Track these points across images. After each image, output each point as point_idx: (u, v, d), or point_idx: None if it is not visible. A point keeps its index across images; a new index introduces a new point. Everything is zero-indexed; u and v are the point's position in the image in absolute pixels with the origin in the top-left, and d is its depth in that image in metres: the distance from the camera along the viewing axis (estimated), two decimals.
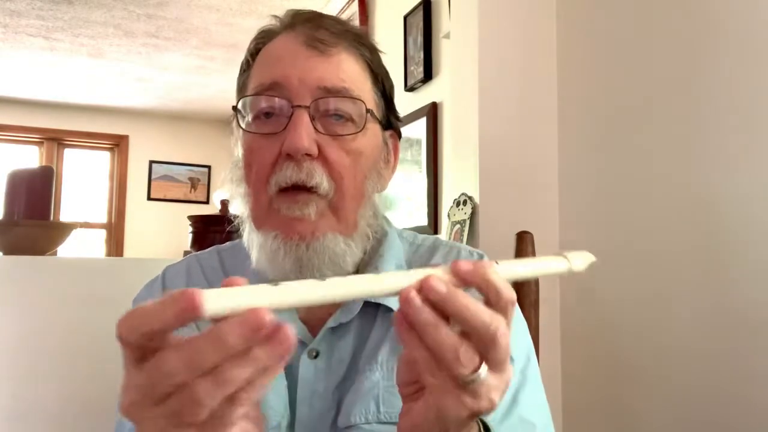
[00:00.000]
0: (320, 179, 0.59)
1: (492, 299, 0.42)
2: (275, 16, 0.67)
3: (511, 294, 0.42)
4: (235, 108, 0.65)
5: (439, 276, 0.41)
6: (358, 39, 0.65)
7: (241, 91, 0.67)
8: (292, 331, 0.38)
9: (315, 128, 0.60)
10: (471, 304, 0.40)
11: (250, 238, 0.64)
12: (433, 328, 0.40)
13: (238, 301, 0.36)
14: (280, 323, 0.37)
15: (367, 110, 0.63)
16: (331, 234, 0.61)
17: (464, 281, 0.41)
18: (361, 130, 0.62)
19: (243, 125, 0.64)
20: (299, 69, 0.60)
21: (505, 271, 0.44)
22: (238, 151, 0.66)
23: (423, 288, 0.40)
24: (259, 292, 0.38)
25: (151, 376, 0.36)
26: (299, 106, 0.59)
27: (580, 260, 0.48)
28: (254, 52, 0.66)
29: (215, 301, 0.36)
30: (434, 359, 0.41)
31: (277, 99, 0.61)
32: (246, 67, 0.67)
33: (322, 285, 0.39)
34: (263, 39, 0.66)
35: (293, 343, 0.38)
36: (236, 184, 0.66)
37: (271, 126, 0.61)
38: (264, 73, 0.63)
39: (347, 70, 0.62)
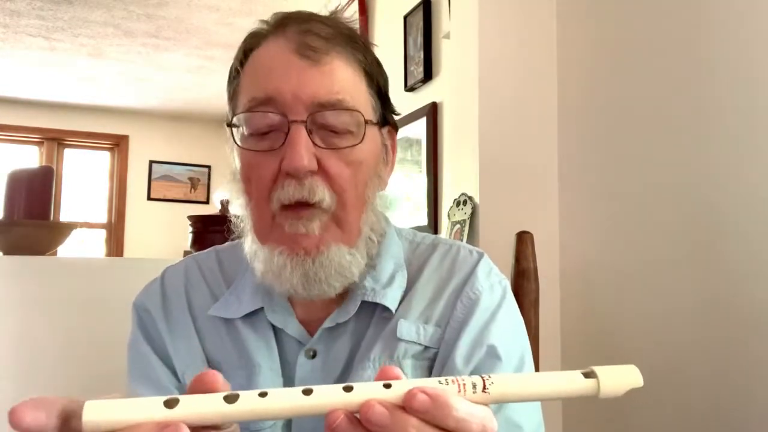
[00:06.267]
0: (322, 195, 0.59)
1: None
2: (263, 21, 0.65)
3: None
4: (229, 124, 0.63)
5: (381, 399, 0.35)
6: (350, 40, 0.63)
7: (233, 99, 0.65)
8: None
9: (313, 142, 0.59)
10: None
11: (253, 250, 0.63)
12: None
13: (118, 415, 0.33)
14: None
15: (366, 121, 0.62)
16: (336, 246, 0.60)
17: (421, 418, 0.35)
18: (360, 142, 0.61)
19: (238, 140, 0.62)
20: (293, 82, 0.59)
21: (497, 392, 0.36)
22: (235, 163, 0.64)
23: (361, 417, 0.35)
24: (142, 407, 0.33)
25: None
26: (295, 121, 0.58)
27: (615, 381, 0.36)
28: (243, 58, 0.64)
29: (95, 414, 0.33)
30: None
31: (271, 114, 0.59)
32: (236, 75, 0.65)
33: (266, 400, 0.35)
34: (252, 43, 0.64)
35: None
36: (236, 196, 0.65)
37: (268, 141, 0.60)
38: (257, 86, 0.61)
39: (341, 80, 0.60)
